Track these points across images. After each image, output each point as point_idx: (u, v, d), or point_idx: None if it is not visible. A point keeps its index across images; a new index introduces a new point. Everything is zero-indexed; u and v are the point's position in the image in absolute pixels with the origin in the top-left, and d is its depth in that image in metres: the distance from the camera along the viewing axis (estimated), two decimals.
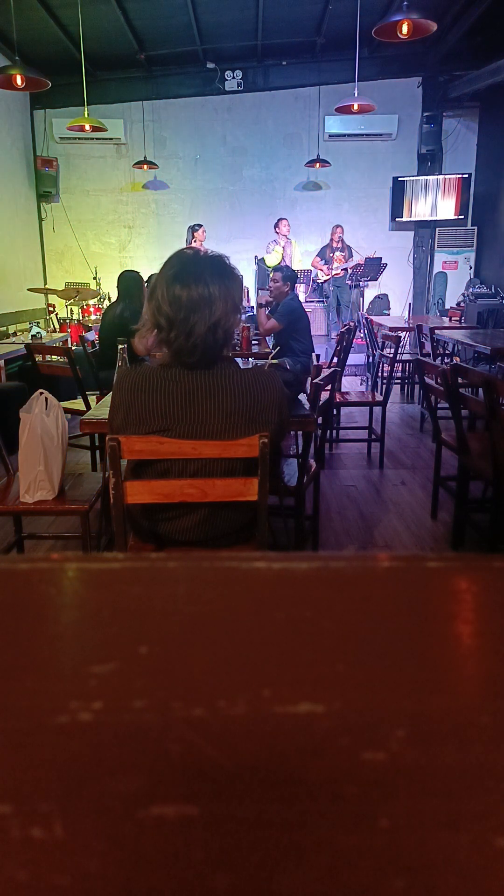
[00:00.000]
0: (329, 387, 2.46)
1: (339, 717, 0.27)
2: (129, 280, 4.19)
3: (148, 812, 0.22)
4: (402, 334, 5.82)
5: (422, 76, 8.25)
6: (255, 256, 8.57)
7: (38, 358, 4.15)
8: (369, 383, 4.90)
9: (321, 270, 8.19)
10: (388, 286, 8.76)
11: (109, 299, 7.81)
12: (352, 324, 4.68)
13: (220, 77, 8.26)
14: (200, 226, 7.88)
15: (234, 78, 8.26)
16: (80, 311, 7.29)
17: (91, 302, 7.35)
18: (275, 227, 8.04)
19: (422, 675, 0.29)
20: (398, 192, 8.48)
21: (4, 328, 7.07)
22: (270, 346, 4.16)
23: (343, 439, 4.68)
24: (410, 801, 0.23)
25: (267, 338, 4.45)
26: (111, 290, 7.73)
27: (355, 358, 6.44)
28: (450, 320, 7.11)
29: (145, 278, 4.25)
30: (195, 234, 7.81)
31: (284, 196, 8.79)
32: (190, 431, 1.48)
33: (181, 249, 1.50)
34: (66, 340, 6.40)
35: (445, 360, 5.50)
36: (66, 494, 2.25)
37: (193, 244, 7.79)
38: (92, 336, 5.72)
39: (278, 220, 8.03)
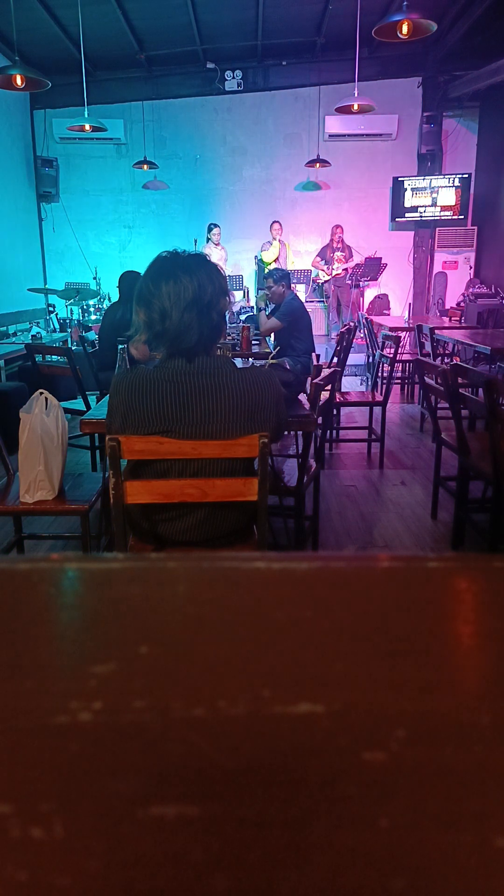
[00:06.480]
0: (329, 387, 2.46)
1: (339, 717, 0.27)
2: (132, 280, 4.17)
3: (148, 812, 0.22)
4: (402, 334, 5.82)
5: (422, 76, 8.25)
6: (255, 256, 8.58)
7: (39, 358, 4.16)
8: (369, 383, 4.90)
9: (322, 270, 8.19)
10: (388, 286, 8.75)
11: (109, 299, 7.81)
12: (352, 324, 4.68)
13: (220, 77, 8.26)
14: (216, 225, 8.08)
15: (234, 78, 8.25)
16: (80, 311, 7.29)
17: (91, 302, 7.35)
18: (270, 229, 8.14)
19: (422, 675, 0.29)
20: (398, 192, 8.48)
21: (4, 328, 7.07)
22: (271, 346, 4.16)
23: (343, 439, 4.68)
24: (410, 801, 0.23)
25: (267, 338, 4.45)
26: (111, 290, 7.74)
27: (355, 358, 6.44)
28: (450, 320, 7.11)
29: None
30: (210, 233, 8.04)
31: (284, 196, 8.79)
32: (189, 432, 1.47)
33: (159, 254, 1.51)
34: (66, 340, 6.41)
35: (445, 360, 5.50)
36: (66, 494, 2.25)
37: (209, 245, 7.90)
38: (92, 336, 5.72)
39: (273, 222, 8.16)
